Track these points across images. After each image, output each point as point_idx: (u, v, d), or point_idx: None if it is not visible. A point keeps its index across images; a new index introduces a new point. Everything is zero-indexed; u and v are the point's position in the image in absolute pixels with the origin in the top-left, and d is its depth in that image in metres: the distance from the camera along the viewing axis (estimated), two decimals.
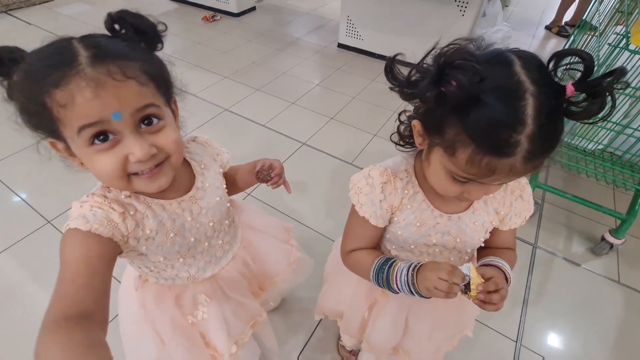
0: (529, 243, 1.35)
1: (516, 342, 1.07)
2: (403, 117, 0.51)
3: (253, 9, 3.24)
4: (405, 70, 0.45)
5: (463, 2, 2.07)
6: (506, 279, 0.51)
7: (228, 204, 0.62)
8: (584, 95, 0.37)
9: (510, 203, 0.56)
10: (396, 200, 0.55)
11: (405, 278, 0.50)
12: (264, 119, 1.91)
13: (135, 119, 0.40)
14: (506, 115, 0.36)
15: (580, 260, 1.31)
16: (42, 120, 0.39)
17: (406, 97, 0.43)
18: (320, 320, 1.08)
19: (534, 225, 1.42)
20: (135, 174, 0.43)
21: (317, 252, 0.95)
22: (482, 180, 0.42)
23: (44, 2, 3.11)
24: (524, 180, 0.57)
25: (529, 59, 0.39)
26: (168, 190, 0.50)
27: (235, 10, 3.06)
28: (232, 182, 0.67)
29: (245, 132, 1.83)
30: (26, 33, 2.63)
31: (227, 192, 0.63)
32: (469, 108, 0.38)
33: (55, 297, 0.37)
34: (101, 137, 0.39)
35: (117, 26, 0.42)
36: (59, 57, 0.37)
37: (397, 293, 0.53)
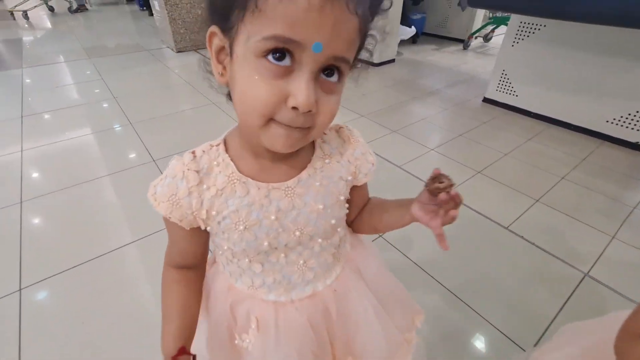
0: None
1: None
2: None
3: (392, 61, 3.33)
4: None
5: None
6: None
7: (334, 222, 0.46)
8: None
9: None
10: None
11: None
12: (400, 160, 1.77)
13: (324, 64, 0.32)
14: None
15: None
16: (234, 3, 0.31)
17: None
18: None
19: None
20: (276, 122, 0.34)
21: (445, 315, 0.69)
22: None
23: None
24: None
25: None
26: (266, 171, 0.42)
27: (375, 61, 3.19)
28: (373, 213, 0.54)
29: (378, 171, 1.71)
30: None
31: (355, 221, 0.54)
32: None
33: (168, 254, 0.48)
34: (278, 54, 0.31)
35: None
36: None
37: None
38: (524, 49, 2.14)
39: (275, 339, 0.47)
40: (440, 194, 0.39)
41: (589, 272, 1.16)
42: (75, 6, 5.49)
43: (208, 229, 0.43)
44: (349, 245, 0.55)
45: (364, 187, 0.53)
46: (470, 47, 3.85)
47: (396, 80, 2.91)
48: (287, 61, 0.31)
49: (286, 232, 0.43)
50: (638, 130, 1.83)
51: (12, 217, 1.36)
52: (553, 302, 1.06)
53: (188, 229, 0.43)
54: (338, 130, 0.49)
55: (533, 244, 1.27)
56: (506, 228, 1.34)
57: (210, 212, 0.41)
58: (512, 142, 1.96)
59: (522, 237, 1.30)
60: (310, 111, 0.33)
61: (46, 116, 2.21)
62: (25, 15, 4.75)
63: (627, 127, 1.86)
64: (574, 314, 1.03)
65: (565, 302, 1.06)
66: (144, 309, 1.02)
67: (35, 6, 5.00)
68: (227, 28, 0.33)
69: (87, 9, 5.67)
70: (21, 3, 4.77)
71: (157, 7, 3.49)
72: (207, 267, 0.54)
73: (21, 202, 1.44)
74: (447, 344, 0.95)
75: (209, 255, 0.53)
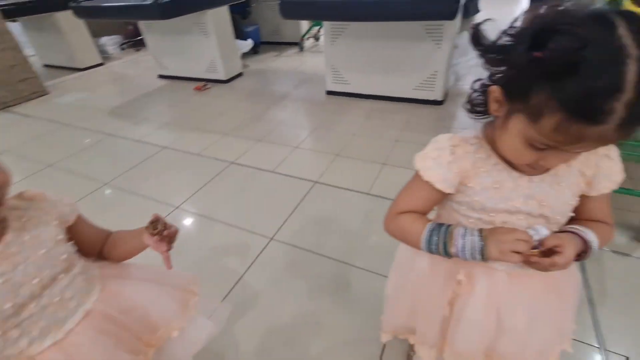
0: None
1: (600, 347, 0.96)
2: (476, 85, 0.50)
3: (240, 74, 3.45)
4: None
5: (437, 37, 2.26)
6: (586, 245, 0.50)
7: (65, 256, 0.55)
8: None
9: (595, 163, 0.51)
10: (467, 163, 0.53)
11: (470, 240, 0.50)
12: (271, 165, 1.91)
13: None
14: (603, 82, 0.34)
15: (628, 250, 1.25)
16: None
17: (493, 63, 0.42)
18: (384, 347, 0.96)
19: None
20: None
21: (360, 288, 0.88)
22: (566, 147, 0.41)
23: (40, 96, 3.23)
24: None
25: (635, 20, 0.35)
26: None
27: (223, 78, 3.25)
28: (116, 246, 0.67)
29: (255, 181, 1.81)
30: (24, 124, 2.69)
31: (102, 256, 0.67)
32: (564, 74, 0.35)
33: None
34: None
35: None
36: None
37: (450, 257, 0.53)
38: (341, 45, 2.55)
39: None
40: (155, 236, 0.59)
41: None
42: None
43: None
44: (97, 268, 0.64)
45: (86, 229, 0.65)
46: (305, 48, 4.29)
47: (248, 93, 3.04)
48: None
49: (24, 286, 0.49)
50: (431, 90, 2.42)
51: None
52: None
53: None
54: (20, 195, 0.58)
55: None
56: (367, 194, 1.63)
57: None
58: (356, 123, 2.32)
59: (380, 197, 1.60)
60: None
61: None
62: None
63: (426, 90, 2.45)
64: None
65: None
66: None
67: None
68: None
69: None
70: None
71: None
72: None
73: None
74: None
75: None
